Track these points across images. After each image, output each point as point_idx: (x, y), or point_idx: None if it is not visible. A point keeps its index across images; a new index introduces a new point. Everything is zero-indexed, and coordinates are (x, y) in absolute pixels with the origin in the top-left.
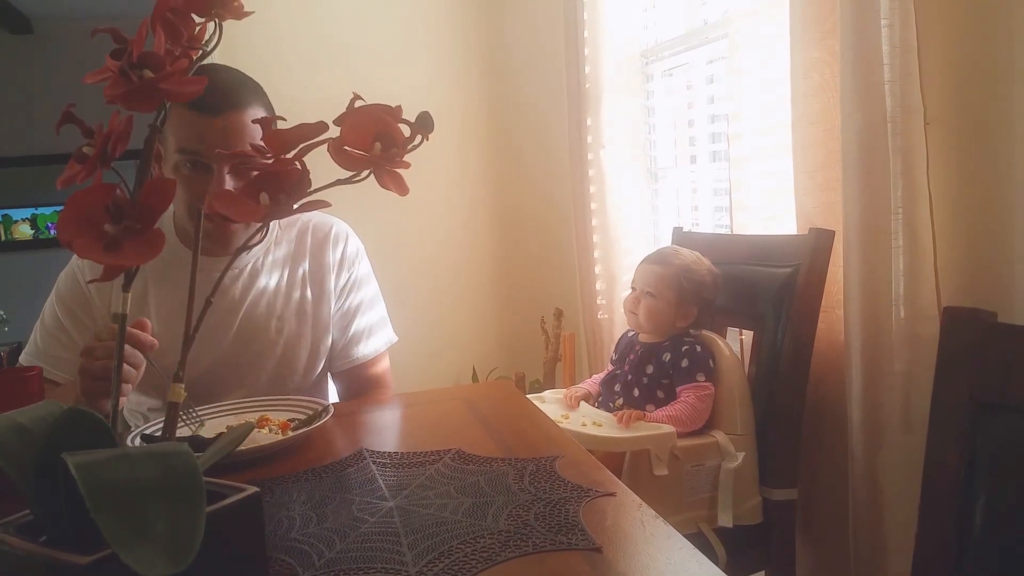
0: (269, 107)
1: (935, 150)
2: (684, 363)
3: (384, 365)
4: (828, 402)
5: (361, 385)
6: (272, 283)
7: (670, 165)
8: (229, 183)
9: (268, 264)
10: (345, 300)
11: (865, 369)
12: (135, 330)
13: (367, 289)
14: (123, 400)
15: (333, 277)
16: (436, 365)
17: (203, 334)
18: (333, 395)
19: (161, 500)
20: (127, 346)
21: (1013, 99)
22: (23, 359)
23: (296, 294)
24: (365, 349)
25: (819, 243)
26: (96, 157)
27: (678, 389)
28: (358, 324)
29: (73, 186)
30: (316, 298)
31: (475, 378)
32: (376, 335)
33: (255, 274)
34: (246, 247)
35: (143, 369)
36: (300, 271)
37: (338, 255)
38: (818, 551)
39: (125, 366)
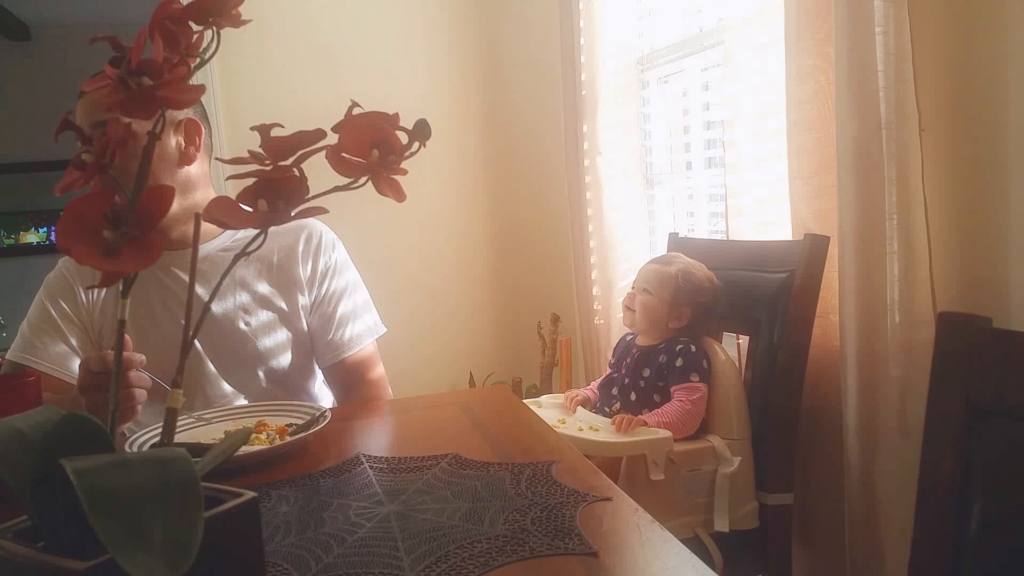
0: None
1: (929, 156)
2: (678, 362)
3: (378, 369)
4: (824, 407)
5: (353, 381)
6: (239, 279)
7: (666, 171)
8: None
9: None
10: (321, 291)
11: (861, 374)
12: (127, 355)
13: (346, 279)
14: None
15: (301, 268)
16: (433, 370)
17: (173, 334)
18: (326, 398)
19: (159, 505)
20: (134, 372)
21: (1007, 105)
22: (10, 355)
23: (264, 289)
24: (352, 341)
25: (814, 249)
26: (95, 164)
27: (672, 389)
28: (341, 316)
29: (72, 193)
30: (286, 291)
31: (472, 383)
32: (361, 326)
33: (218, 268)
34: (245, 252)
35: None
36: (268, 266)
37: (312, 247)
38: (814, 556)
39: (136, 390)
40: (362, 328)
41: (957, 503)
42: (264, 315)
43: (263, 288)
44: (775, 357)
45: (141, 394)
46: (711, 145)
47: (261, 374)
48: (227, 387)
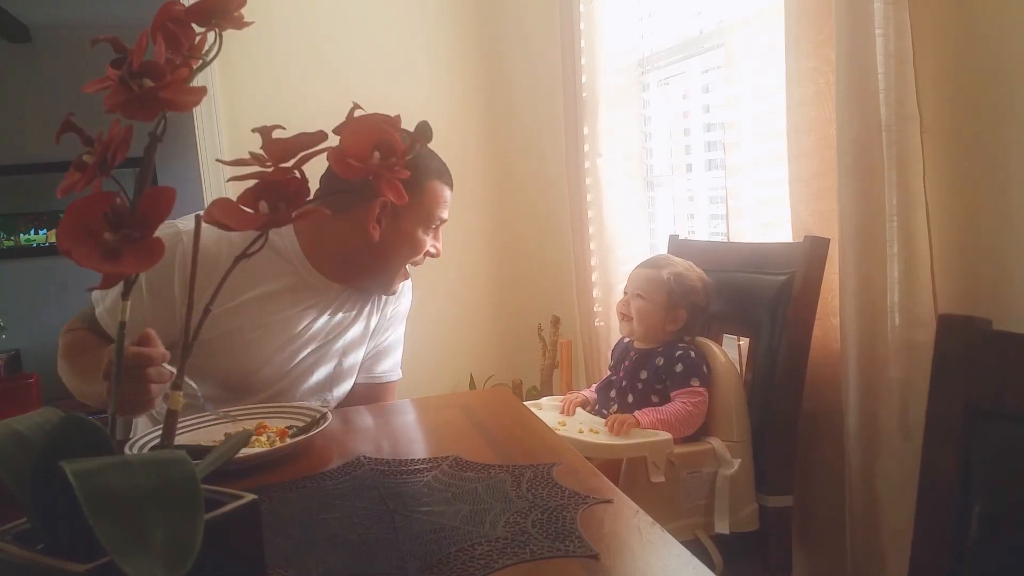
0: None
1: (930, 159)
2: (678, 368)
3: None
4: (824, 409)
5: (368, 399)
6: (351, 315)
7: (666, 173)
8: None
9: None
10: (384, 333)
11: (861, 376)
12: (143, 350)
13: (401, 329)
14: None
15: (378, 314)
16: (433, 372)
17: (280, 348)
18: None
19: (159, 507)
20: (153, 369)
21: (1008, 107)
22: (99, 314)
23: (360, 326)
24: (388, 373)
25: (814, 251)
26: (96, 165)
27: (672, 394)
28: (389, 353)
29: (72, 195)
30: (367, 330)
31: (472, 385)
32: (397, 364)
33: (349, 309)
34: (245, 255)
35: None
36: (380, 319)
37: (401, 304)
38: (815, 558)
39: (153, 386)
40: (398, 361)
41: (957, 505)
42: (356, 341)
43: (362, 320)
44: (775, 359)
45: (158, 388)
46: (711, 147)
47: (326, 386)
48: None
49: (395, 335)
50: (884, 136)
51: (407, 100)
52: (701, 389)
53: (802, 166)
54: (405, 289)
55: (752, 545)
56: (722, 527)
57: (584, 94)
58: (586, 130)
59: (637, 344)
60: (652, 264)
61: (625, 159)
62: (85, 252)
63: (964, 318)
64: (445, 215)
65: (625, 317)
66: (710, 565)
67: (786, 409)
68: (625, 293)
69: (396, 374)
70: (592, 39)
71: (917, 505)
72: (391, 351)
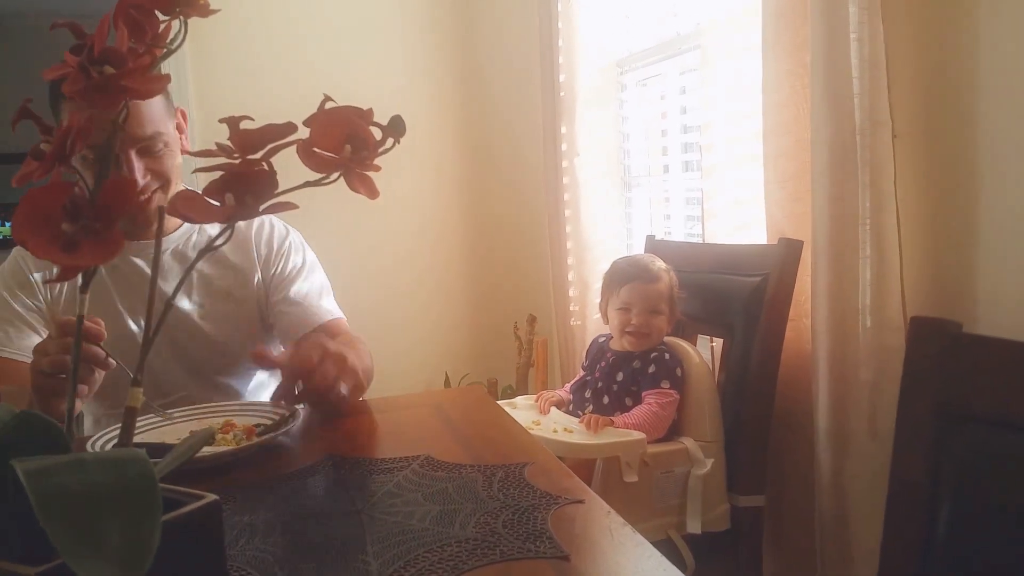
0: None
1: (902, 163)
2: (651, 369)
3: (345, 328)
4: (795, 410)
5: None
6: (195, 268)
7: (643, 174)
8: (140, 168)
9: (191, 249)
10: (279, 272)
11: (832, 378)
12: (86, 323)
13: (300, 259)
14: (79, 404)
15: (255, 252)
16: (408, 370)
17: (127, 326)
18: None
19: (115, 508)
20: (85, 344)
21: (978, 114)
22: None
23: (219, 278)
24: (319, 315)
25: (788, 253)
26: (53, 154)
27: (643, 394)
28: (309, 291)
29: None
30: (241, 279)
31: (447, 384)
32: (325, 303)
33: (178, 260)
34: (211, 248)
35: (102, 373)
36: (221, 259)
37: (264, 234)
38: (785, 558)
39: (85, 366)
40: (329, 303)
41: (927, 506)
42: (221, 299)
43: (218, 270)
44: (748, 360)
45: (87, 372)
46: (688, 148)
47: (223, 359)
48: (182, 371)
49: (289, 264)
50: (858, 140)
51: (382, 94)
52: (670, 391)
53: (777, 168)
54: (276, 233)
55: (723, 545)
56: (694, 527)
57: (562, 93)
58: (564, 129)
59: (614, 346)
60: (653, 277)
61: (603, 159)
62: (42, 243)
63: (935, 321)
64: (137, 131)
65: (644, 336)
66: (681, 565)
67: (758, 410)
68: (633, 311)
69: (335, 312)
70: (570, 38)
71: (887, 506)
72: (296, 280)
